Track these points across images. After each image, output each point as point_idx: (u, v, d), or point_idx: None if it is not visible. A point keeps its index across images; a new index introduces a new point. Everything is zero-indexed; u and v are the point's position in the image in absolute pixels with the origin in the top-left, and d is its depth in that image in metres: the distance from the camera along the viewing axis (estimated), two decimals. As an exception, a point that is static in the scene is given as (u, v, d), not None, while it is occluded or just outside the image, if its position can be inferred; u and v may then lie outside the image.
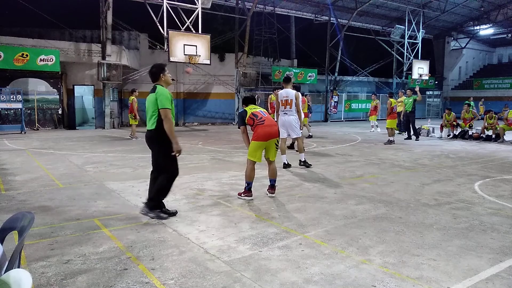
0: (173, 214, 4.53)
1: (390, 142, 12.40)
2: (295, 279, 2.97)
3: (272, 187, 5.56)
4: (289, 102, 7.54)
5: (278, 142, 5.49)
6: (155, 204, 4.46)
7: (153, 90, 4.42)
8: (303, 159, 7.92)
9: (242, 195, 5.39)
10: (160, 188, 4.46)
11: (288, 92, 7.56)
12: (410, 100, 13.76)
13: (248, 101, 5.70)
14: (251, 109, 5.48)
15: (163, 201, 4.60)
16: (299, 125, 7.71)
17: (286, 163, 7.84)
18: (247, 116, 5.37)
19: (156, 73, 4.52)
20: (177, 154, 4.37)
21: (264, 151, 5.46)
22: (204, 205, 5.04)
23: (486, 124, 14.19)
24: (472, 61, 34.84)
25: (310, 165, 7.91)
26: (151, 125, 4.36)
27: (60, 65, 16.11)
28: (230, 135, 15.57)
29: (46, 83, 17.21)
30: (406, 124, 14.40)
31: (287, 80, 7.76)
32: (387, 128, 12.77)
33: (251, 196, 5.35)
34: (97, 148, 10.77)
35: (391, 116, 12.97)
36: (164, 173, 4.46)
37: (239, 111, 5.66)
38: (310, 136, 14.01)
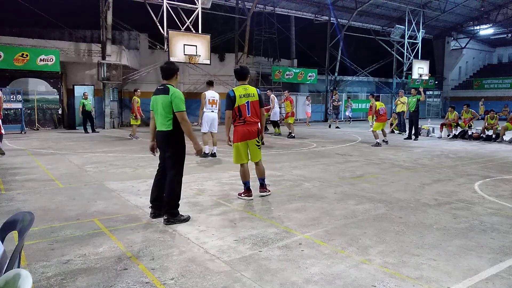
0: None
1: (378, 144, 11.79)
2: (295, 279, 2.97)
3: (262, 186, 5.55)
4: (215, 101, 8.98)
5: (258, 142, 5.34)
6: (176, 211, 4.33)
7: (165, 91, 4.23)
8: (215, 151, 9.27)
9: (242, 195, 5.38)
10: (175, 192, 4.33)
11: (214, 93, 9.05)
12: (414, 99, 13.73)
13: (239, 75, 5.36)
14: (240, 97, 5.16)
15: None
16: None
17: (207, 152, 9.11)
18: (235, 104, 5.16)
19: (173, 70, 4.39)
20: (198, 155, 4.39)
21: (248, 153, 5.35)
22: (204, 205, 5.04)
23: (486, 124, 14.19)
24: (472, 61, 34.82)
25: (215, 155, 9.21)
26: (167, 126, 4.24)
27: (60, 65, 16.09)
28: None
29: (46, 83, 17.21)
30: (410, 123, 14.36)
31: (210, 83, 9.29)
32: (372, 131, 12.11)
33: (251, 195, 5.35)
34: (97, 148, 10.77)
35: (378, 119, 11.99)
36: (174, 175, 4.33)
37: (228, 93, 5.27)
38: (292, 136, 14.12)
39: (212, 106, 8.93)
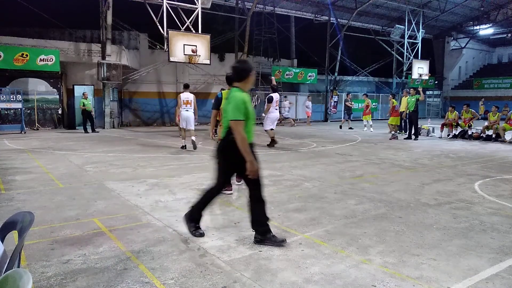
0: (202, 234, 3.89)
1: (393, 137, 14.18)
2: (295, 279, 2.97)
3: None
4: (189, 101, 10.41)
5: None
6: (194, 216, 3.88)
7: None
8: (193, 139, 10.32)
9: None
10: (203, 199, 3.89)
11: (188, 95, 10.48)
12: (413, 99, 13.75)
13: (229, 81, 5.57)
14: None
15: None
16: (195, 120, 10.77)
17: (184, 145, 10.62)
18: (221, 105, 5.51)
19: (244, 71, 3.65)
20: (250, 175, 3.52)
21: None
22: (204, 205, 5.04)
23: (489, 122, 14.18)
24: (472, 61, 34.82)
25: (196, 147, 10.30)
26: (222, 134, 3.72)
27: (60, 65, 16.07)
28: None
29: (46, 83, 17.19)
30: (409, 123, 14.38)
31: (186, 86, 10.55)
32: (388, 124, 15.36)
33: (231, 190, 5.60)
34: (97, 148, 10.77)
35: (393, 115, 15.10)
36: (214, 184, 3.86)
37: (217, 94, 5.80)
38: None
39: (186, 106, 10.37)
